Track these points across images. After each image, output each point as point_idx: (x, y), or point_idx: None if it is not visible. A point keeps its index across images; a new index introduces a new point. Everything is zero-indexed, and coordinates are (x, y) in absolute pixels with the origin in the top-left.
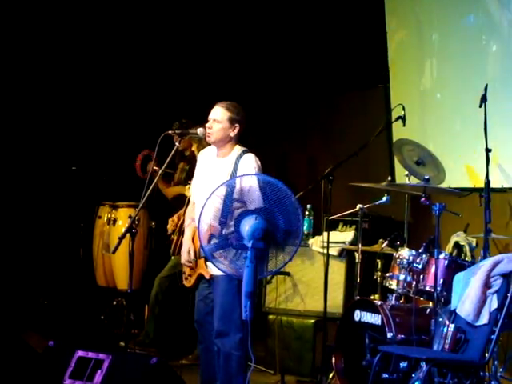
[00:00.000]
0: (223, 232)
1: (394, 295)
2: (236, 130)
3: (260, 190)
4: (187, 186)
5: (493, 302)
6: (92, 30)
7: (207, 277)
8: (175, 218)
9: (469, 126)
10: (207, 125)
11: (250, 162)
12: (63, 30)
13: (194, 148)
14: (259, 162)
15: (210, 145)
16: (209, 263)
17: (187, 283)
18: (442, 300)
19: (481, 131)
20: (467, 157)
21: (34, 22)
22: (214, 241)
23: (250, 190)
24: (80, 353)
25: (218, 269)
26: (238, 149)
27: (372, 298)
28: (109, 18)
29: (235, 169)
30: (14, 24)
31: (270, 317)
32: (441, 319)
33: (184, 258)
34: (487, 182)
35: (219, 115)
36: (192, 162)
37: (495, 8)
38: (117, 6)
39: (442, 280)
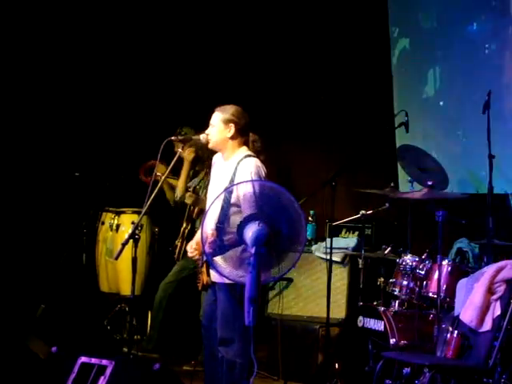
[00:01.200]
0: (219, 237)
1: (397, 301)
2: (232, 130)
3: (255, 195)
4: (188, 194)
5: (496, 309)
6: (95, 37)
7: (204, 282)
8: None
9: (472, 132)
10: (206, 131)
11: (248, 167)
12: (66, 36)
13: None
14: (260, 167)
15: (210, 152)
16: (211, 270)
17: (199, 286)
18: (445, 306)
19: (484, 137)
20: (470, 163)
21: (36, 26)
22: (214, 246)
23: (245, 196)
24: (83, 359)
25: (220, 274)
26: (242, 152)
27: (375, 304)
28: (113, 25)
29: (234, 173)
30: (16, 27)
31: (273, 322)
32: (444, 325)
33: (189, 252)
34: (490, 188)
35: (213, 119)
36: (194, 168)
37: (498, 16)
38: (121, 14)
39: (445, 286)
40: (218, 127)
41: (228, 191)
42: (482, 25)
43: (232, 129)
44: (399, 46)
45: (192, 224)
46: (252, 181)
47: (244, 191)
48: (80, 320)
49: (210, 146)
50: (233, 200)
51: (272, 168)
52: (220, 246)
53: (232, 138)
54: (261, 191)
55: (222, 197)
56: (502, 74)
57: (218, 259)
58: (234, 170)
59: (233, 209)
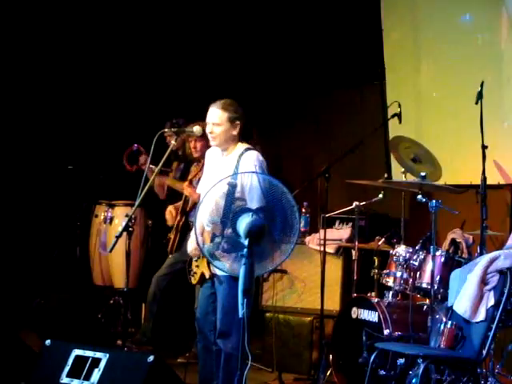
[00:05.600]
0: (225, 231)
1: (391, 292)
2: (238, 128)
3: (261, 187)
4: (185, 183)
5: (489, 299)
6: (88, 31)
7: (207, 276)
8: (172, 209)
9: (465, 122)
10: (208, 130)
11: (251, 160)
12: (60, 30)
13: (196, 145)
14: (262, 160)
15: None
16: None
17: (193, 280)
18: (439, 297)
19: (477, 128)
20: (464, 153)
21: (29, 20)
22: (216, 240)
23: (251, 188)
24: (77, 351)
25: (218, 268)
26: (241, 146)
27: (369, 295)
28: (104, 18)
29: (237, 167)
30: (10, 23)
31: (267, 315)
32: (438, 316)
33: (191, 246)
34: (483, 179)
35: (218, 118)
36: (185, 161)
37: (491, 7)
38: (112, 7)
39: (438, 277)
40: (225, 126)
41: (231, 184)
42: (474, 15)
43: (238, 127)
44: (392, 37)
45: (186, 217)
46: (253, 172)
47: (250, 182)
48: (74, 313)
49: (215, 144)
50: (237, 194)
51: (265, 159)
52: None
53: (237, 135)
54: (260, 183)
55: (219, 189)
56: (495, 64)
57: (217, 254)
58: (235, 164)
59: (237, 203)
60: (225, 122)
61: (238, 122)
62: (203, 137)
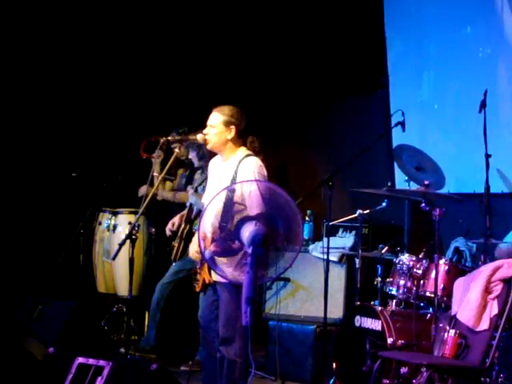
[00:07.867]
0: (221, 235)
1: (395, 301)
2: (233, 132)
3: (261, 194)
4: (190, 192)
5: (493, 308)
6: (91, 37)
7: (207, 281)
8: (176, 219)
9: (468, 131)
10: (204, 131)
11: (250, 166)
12: (63, 36)
13: (191, 155)
14: (262, 166)
15: (209, 152)
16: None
17: (197, 288)
18: (443, 305)
19: (480, 138)
20: (467, 162)
21: (32, 25)
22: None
23: (251, 195)
24: (80, 359)
25: (219, 275)
26: (242, 152)
27: (372, 303)
28: (108, 23)
29: (236, 172)
30: (12, 26)
31: (271, 323)
32: (441, 325)
33: (192, 249)
34: (487, 188)
35: (213, 120)
36: (190, 167)
37: (492, 19)
38: (117, 13)
39: (442, 285)
40: (219, 129)
41: (230, 190)
42: (475, 28)
43: (233, 131)
44: (394, 49)
45: (190, 225)
46: (254, 180)
47: (249, 189)
48: (77, 321)
49: (209, 147)
50: (235, 198)
51: (269, 168)
52: (224, 246)
53: (232, 139)
54: (260, 190)
55: (221, 196)
56: (495, 77)
57: (219, 260)
58: (235, 169)
59: (236, 207)
60: (219, 125)
61: (232, 127)
62: (199, 146)
